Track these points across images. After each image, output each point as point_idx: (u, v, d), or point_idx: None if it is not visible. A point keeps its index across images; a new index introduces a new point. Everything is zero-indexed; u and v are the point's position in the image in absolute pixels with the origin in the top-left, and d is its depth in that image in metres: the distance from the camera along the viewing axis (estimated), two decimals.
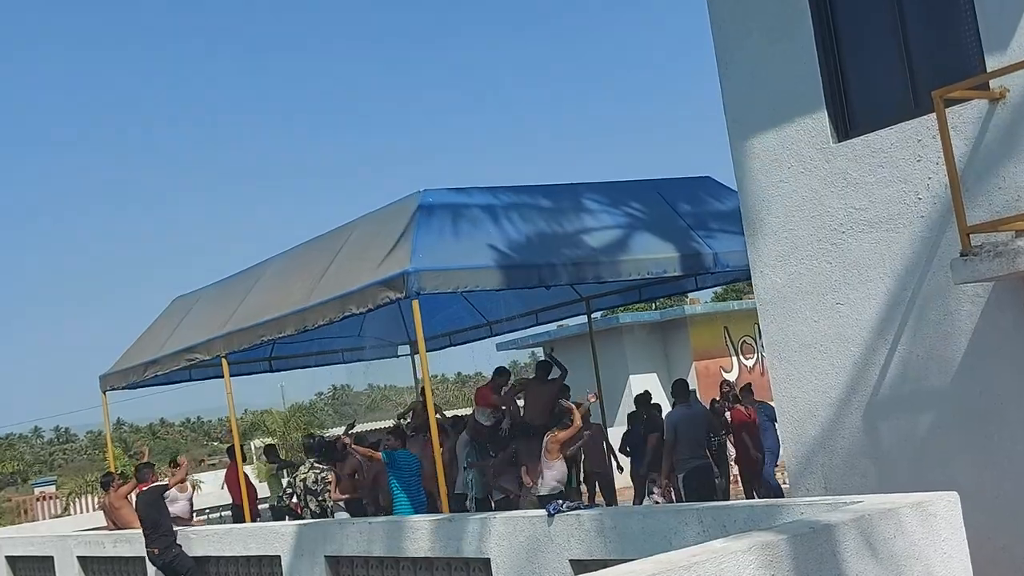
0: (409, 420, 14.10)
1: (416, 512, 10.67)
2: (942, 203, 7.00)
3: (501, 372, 13.20)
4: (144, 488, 12.63)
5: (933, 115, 6.79)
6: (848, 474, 7.68)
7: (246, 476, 13.79)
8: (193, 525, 13.04)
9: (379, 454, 11.71)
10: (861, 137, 7.48)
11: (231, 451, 14.79)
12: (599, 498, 13.52)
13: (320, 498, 12.37)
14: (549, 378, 12.86)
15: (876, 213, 7.38)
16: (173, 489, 13.23)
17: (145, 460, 16.06)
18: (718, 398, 14.06)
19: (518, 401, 12.98)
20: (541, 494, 10.68)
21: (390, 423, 19.04)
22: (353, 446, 12.11)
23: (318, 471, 12.68)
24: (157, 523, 12.21)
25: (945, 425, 7.16)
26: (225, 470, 15.26)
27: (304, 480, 12.60)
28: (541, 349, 31.70)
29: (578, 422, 11.13)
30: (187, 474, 13.42)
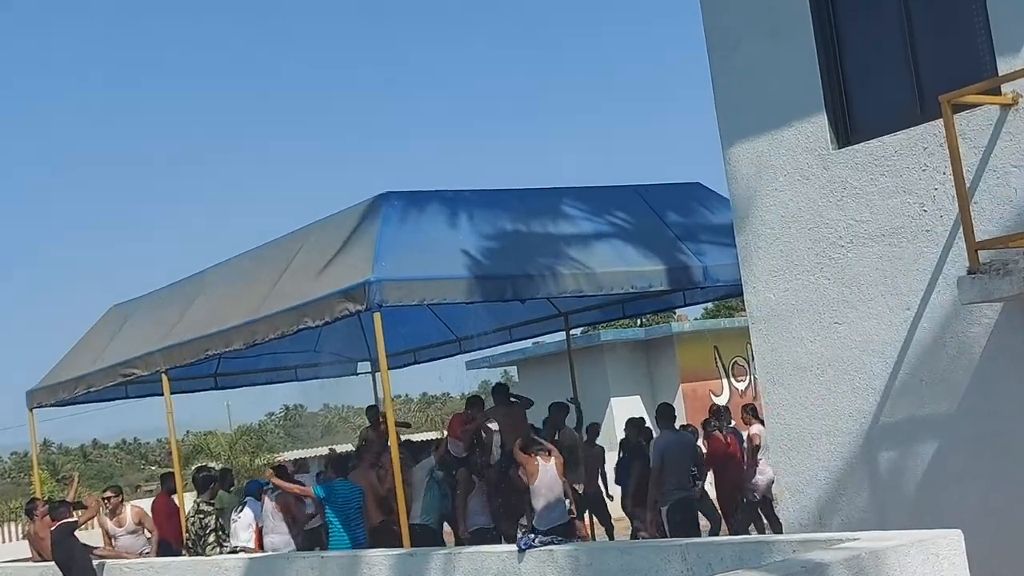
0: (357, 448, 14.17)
1: (354, 547, 10.70)
2: (949, 216, 7.09)
3: (474, 402, 13.25)
4: (54, 527, 12.55)
5: (940, 121, 6.87)
6: (845, 507, 7.74)
7: (176, 507, 13.67)
8: (131, 557, 12.92)
9: (309, 490, 11.72)
10: (862, 144, 7.56)
11: (165, 478, 14.66)
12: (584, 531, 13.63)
13: (206, 546, 12.22)
14: (511, 400, 12.99)
15: (878, 226, 7.46)
16: (111, 524, 13.15)
17: (73, 490, 15.92)
18: (711, 419, 14.03)
19: (491, 426, 13.01)
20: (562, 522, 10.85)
21: (340, 449, 18.91)
22: (274, 480, 12.07)
23: (202, 516, 12.47)
24: (68, 565, 12.17)
25: (950, 454, 7.23)
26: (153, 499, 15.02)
27: (193, 524, 12.46)
28: (515, 369, 31.72)
29: (557, 453, 11.34)
30: (103, 511, 13.28)
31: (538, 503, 11.22)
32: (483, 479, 12.33)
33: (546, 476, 11.20)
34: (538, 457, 11.29)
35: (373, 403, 16.60)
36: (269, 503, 12.14)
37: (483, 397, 13.74)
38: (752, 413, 14.17)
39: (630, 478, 13.13)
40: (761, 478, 13.26)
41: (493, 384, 14.61)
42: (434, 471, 12.16)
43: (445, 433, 13.21)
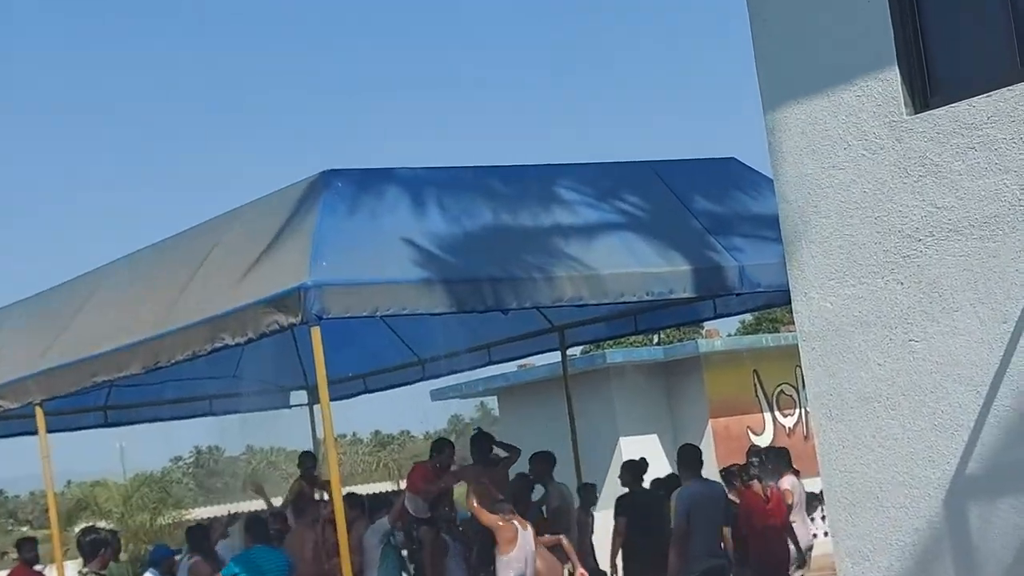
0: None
1: None
2: None
3: (441, 447, 13.17)
4: None
5: None
6: None
7: None
8: None
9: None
10: (946, 108, 7.56)
11: (22, 545, 14.67)
12: None
13: None
14: (492, 457, 12.93)
15: (966, 214, 7.46)
16: None
17: None
18: (751, 464, 13.91)
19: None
20: None
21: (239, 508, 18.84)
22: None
23: None
24: None
25: None
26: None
27: None
28: (495, 399, 31.67)
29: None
30: None
31: None
32: (456, 539, 12.31)
33: (525, 546, 11.20)
34: (515, 520, 11.29)
35: (310, 449, 16.58)
36: (188, 566, 12.19)
37: (454, 440, 13.73)
38: (783, 461, 14.09)
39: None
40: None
41: (472, 430, 14.43)
42: (391, 535, 12.14)
43: (402, 485, 13.20)
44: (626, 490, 13.37)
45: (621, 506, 13.07)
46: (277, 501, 15.26)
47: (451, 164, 12.32)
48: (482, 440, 13.41)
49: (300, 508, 13.46)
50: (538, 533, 11.92)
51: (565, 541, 12.17)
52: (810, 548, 13.81)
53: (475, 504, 11.42)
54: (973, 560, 7.58)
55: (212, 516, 32.11)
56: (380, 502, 13.37)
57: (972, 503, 7.55)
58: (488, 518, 11.36)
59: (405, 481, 13.14)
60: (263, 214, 11.87)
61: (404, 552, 12.85)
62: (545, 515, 13.30)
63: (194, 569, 12.18)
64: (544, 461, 13.55)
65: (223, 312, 10.71)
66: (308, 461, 15.01)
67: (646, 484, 13.59)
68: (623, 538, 12.91)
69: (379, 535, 12.20)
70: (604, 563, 14.17)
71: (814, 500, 15.50)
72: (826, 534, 14.21)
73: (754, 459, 13.78)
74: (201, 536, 12.80)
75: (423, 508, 12.51)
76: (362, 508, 12.75)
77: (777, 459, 14.05)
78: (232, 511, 15.57)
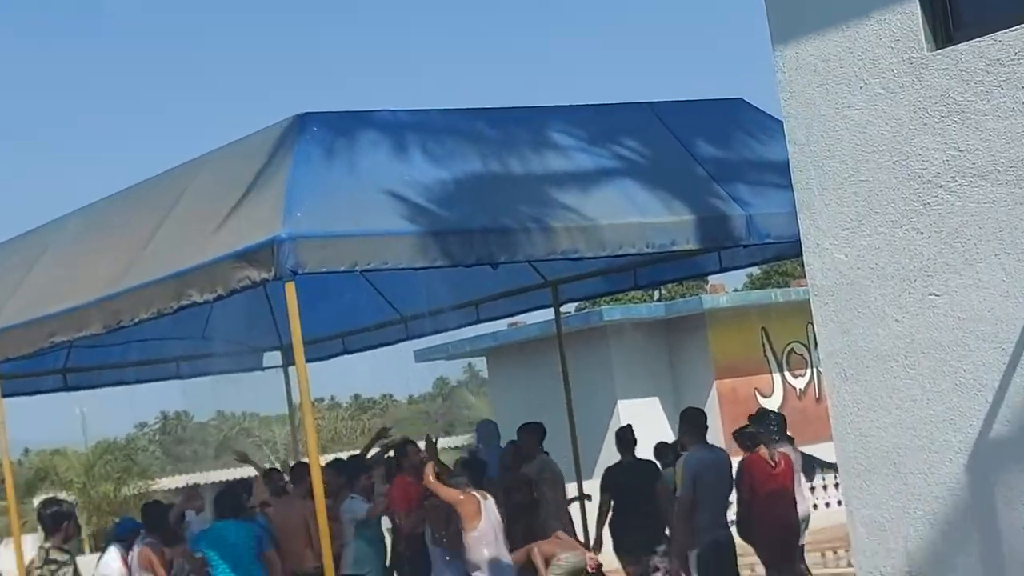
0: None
1: None
2: None
3: (403, 450, 13.04)
4: None
5: None
6: (946, 552, 7.75)
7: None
8: None
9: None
10: (970, 43, 7.53)
11: None
12: None
13: None
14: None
15: (991, 157, 7.44)
16: None
17: None
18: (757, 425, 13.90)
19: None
20: None
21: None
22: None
23: (54, 567, 12.58)
24: None
25: None
26: None
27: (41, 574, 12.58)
28: (484, 360, 31.74)
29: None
30: None
31: (479, 555, 11.21)
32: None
33: (491, 516, 11.23)
34: (474, 492, 11.32)
35: (284, 413, 16.56)
36: (136, 552, 12.22)
37: (440, 403, 13.69)
38: (776, 428, 14.09)
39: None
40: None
41: (463, 458, 13.87)
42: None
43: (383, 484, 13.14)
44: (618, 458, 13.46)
45: (607, 480, 13.12)
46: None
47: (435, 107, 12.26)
48: (472, 465, 13.10)
49: (298, 476, 13.43)
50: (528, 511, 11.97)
51: (564, 536, 12.23)
52: (806, 518, 13.82)
53: (431, 479, 11.41)
54: (997, 529, 7.59)
55: (185, 484, 32.19)
56: (359, 466, 13.35)
57: (997, 468, 7.56)
58: (447, 492, 11.36)
59: (387, 498, 12.93)
60: (233, 161, 11.82)
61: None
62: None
63: (142, 555, 12.17)
64: (533, 433, 13.43)
65: (190, 267, 10.69)
66: (276, 477, 14.95)
67: (645, 452, 13.63)
68: (608, 511, 13.01)
69: (350, 515, 12.26)
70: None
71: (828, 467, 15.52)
72: (839, 503, 14.26)
73: (760, 422, 13.78)
74: (158, 515, 12.62)
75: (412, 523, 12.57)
76: (347, 477, 12.79)
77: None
78: (190, 483, 15.52)
